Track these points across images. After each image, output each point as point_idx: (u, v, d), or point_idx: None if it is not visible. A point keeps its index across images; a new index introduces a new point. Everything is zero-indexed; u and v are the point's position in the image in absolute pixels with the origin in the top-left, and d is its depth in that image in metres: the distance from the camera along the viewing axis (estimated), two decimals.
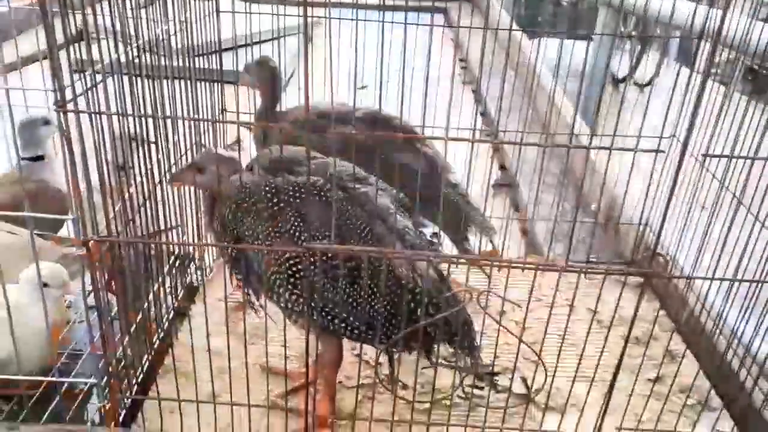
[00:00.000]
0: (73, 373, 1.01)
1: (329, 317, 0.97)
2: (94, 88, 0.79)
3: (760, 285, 0.95)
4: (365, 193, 1.02)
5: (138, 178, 0.98)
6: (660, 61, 3.93)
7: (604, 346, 0.92)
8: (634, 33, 3.84)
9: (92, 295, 0.93)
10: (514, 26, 2.73)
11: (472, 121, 1.52)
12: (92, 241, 0.80)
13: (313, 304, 0.92)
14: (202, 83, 1.32)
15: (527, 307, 0.95)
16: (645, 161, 0.91)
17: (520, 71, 2.30)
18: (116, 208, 0.89)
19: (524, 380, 1.21)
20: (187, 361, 1.06)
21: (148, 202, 1.03)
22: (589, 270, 0.88)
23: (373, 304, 0.95)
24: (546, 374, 0.95)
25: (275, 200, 0.97)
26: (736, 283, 1.10)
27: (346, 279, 0.94)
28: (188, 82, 1.24)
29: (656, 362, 1.22)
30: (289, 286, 0.96)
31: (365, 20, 1.30)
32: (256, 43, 1.35)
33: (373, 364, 1.14)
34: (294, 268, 0.95)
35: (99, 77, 0.83)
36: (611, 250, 1.64)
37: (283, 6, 1.42)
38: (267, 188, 0.97)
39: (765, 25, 1.09)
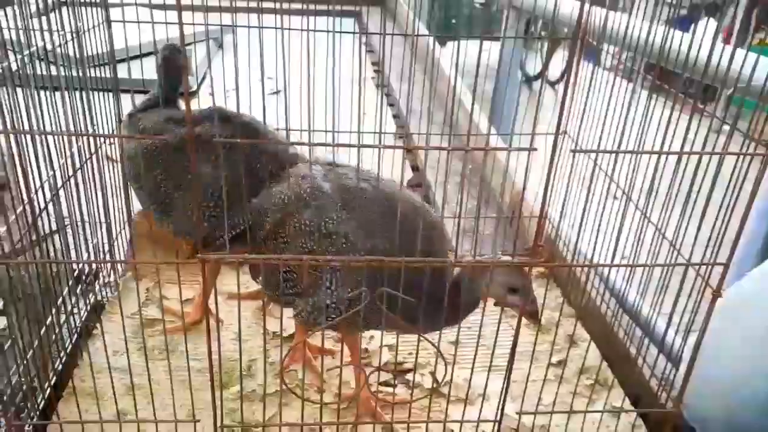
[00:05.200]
0: None
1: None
2: None
3: (633, 269, 1.02)
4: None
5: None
6: (569, 60, 4.12)
7: (497, 335, 0.96)
8: (543, 33, 4.00)
9: None
10: (425, 31, 2.80)
11: (384, 123, 1.55)
12: None
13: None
14: (99, 93, 1.29)
15: None
16: (544, 157, 0.96)
17: (432, 75, 2.36)
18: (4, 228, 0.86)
19: (432, 374, 1.25)
20: (93, 381, 1.03)
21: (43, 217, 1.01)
22: (477, 263, 0.92)
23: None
24: (446, 367, 0.99)
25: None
26: (628, 269, 1.18)
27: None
28: (83, 92, 1.21)
29: (558, 347, 1.28)
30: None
31: (275, 28, 1.31)
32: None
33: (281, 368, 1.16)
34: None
35: None
36: (519, 242, 1.72)
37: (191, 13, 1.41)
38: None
39: (657, 25, 1.17)
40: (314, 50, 1.06)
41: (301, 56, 0.95)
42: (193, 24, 1.28)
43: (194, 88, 2.62)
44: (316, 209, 1.02)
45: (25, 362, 0.95)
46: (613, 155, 1.15)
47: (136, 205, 1.36)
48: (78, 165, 1.17)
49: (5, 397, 0.88)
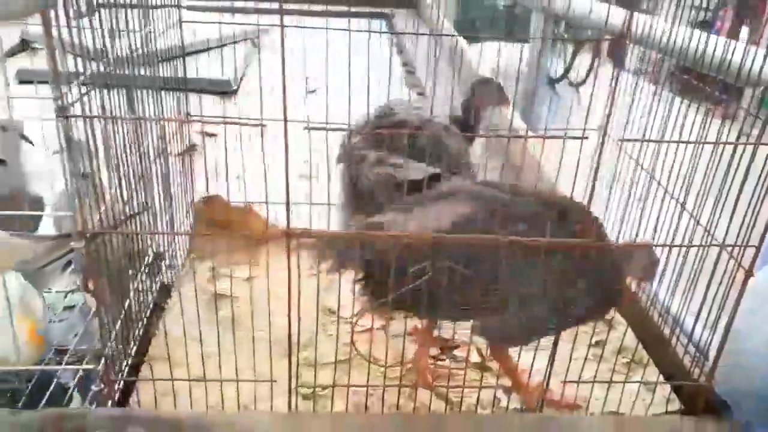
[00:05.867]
0: (63, 363, 1.07)
1: None
2: (86, 96, 0.87)
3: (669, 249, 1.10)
4: None
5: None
6: (592, 62, 4.19)
7: None
8: (566, 36, 4.09)
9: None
10: (455, 32, 2.90)
11: None
12: (89, 234, 0.88)
13: None
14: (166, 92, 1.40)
15: None
16: (575, 152, 1.05)
17: (462, 74, 2.45)
18: (104, 206, 0.96)
19: (479, 350, 1.34)
20: (172, 348, 1.14)
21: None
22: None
23: None
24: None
25: None
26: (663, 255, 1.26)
27: None
28: (155, 90, 1.32)
29: (598, 330, 1.37)
30: None
31: (312, 27, 1.41)
32: (210, 49, 1.43)
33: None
34: None
35: (84, 88, 0.90)
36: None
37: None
38: None
39: (687, 28, 1.25)
40: (350, 51, 1.15)
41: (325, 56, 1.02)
42: (242, 24, 1.38)
43: (234, 87, 2.74)
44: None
45: (112, 331, 1.06)
46: (653, 150, 1.24)
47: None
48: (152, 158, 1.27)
49: (101, 358, 0.98)
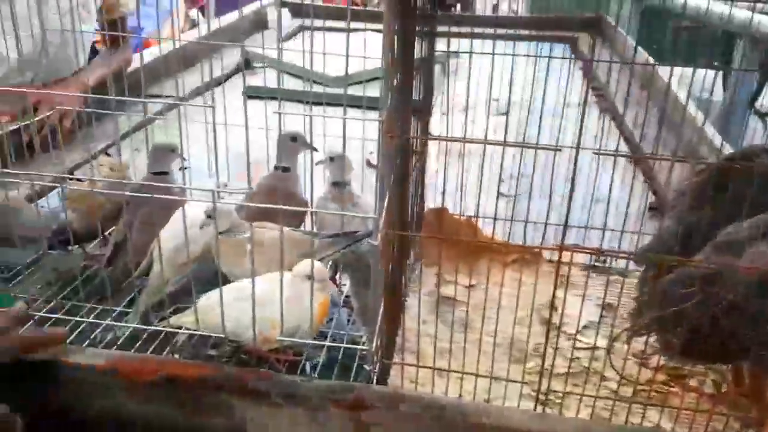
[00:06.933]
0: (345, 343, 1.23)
1: None
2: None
3: None
4: None
5: None
6: None
7: None
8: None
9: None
10: (647, 57, 2.86)
11: (615, 145, 1.67)
12: (383, 235, 1.03)
13: None
14: None
15: None
16: None
17: (655, 99, 2.43)
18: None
19: (715, 381, 1.33)
20: (411, 341, 1.27)
21: None
22: None
23: None
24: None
25: None
26: None
27: None
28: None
29: None
30: None
31: (503, 54, 1.50)
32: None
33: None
34: None
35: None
36: None
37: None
38: None
39: None
40: (535, 74, 1.22)
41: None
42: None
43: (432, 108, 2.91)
44: None
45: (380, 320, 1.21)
46: None
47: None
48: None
49: (373, 342, 1.13)
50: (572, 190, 0.91)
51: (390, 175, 0.99)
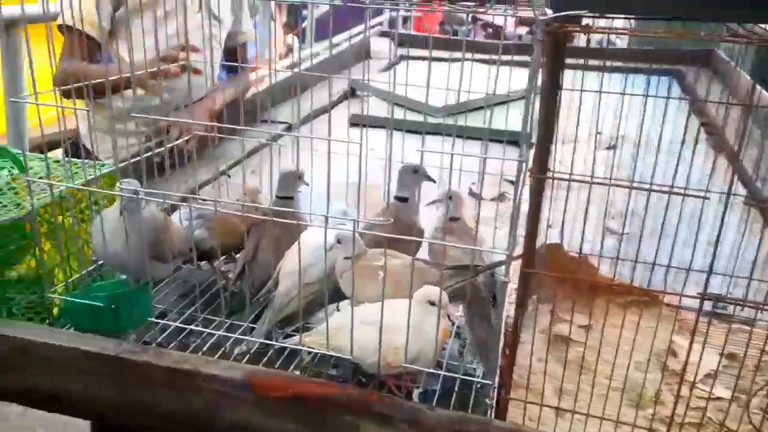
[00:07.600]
0: (460, 373, 1.24)
1: None
2: None
3: None
4: None
5: None
6: None
7: None
8: None
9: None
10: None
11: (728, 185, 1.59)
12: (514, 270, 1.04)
13: None
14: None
15: None
16: None
17: None
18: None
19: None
20: (523, 377, 1.27)
21: None
22: None
23: None
24: None
25: None
26: None
27: None
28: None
29: None
30: None
31: (608, 92, 1.46)
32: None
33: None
34: None
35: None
36: None
37: None
38: None
39: None
40: (644, 109, 1.18)
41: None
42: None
43: (533, 141, 2.90)
44: None
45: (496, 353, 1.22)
46: None
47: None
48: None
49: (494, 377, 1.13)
50: (719, 237, 0.90)
51: (522, 211, 1.00)
